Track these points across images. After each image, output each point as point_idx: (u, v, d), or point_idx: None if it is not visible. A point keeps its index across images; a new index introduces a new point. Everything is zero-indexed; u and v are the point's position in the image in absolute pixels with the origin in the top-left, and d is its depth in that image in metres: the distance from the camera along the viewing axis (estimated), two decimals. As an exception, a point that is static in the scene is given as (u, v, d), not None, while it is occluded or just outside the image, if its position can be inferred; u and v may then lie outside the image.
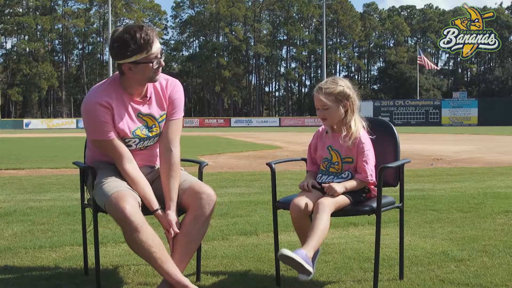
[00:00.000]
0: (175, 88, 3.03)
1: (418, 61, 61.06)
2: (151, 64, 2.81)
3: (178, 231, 2.88)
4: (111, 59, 53.59)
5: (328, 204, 2.89)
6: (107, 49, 73.81)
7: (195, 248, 2.97)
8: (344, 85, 3.07)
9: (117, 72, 2.93)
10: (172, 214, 2.90)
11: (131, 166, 2.92)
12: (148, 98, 2.96)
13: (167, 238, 2.93)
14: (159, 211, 2.88)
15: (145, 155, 3.08)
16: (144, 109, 2.96)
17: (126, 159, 2.91)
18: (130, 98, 2.92)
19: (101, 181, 2.88)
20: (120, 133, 2.91)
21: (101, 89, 2.90)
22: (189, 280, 2.82)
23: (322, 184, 3.03)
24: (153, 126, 2.99)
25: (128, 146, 2.97)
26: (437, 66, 69.98)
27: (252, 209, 5.65)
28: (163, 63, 2.87)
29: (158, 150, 3.10)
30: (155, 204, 2.88)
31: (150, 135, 3.00)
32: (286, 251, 2.63)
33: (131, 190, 2.84)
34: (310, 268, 2.65)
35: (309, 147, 3.30)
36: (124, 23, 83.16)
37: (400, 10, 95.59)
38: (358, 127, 3.10)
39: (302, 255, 2.65)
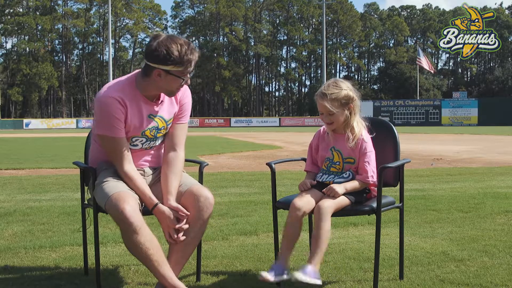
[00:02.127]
0: (185, 93, 3.08)
1: (417, 62, 61.00)
2: (180, 80, 2.85)
3: (188, 213, 2.86)
4: (111, 60, 53.63)
5: (328, 207, 2.88)
6: (107, 49, 74.06)
7: (191, 251, 2.96)
8: (347, 88, 3.05)
9: (134, 72, 2.96)
10: (174, 202, 2.88)
11: (131, 167, 2.91)
12: (160, 101, 2.99)
13: (168, 235, 2.86)
14: (159, 205, 2.84)
15: (150, 155, 3.09)
16: (155, 110, 2.98)
17: (127, 160, 2.90)
18: (144, 99, 2.93)
19: (102, 181, 2.88)
20: (130, 131, 2.92)
21: (117, 86, 2.91)
22: (185, 283, 2.81)
23: (323, 190, 3.00)
24: (162, 128, 3.02)
25: (135, 145, 2.99)
26: (435, 69, 69.77)
27: (252, 209, 5.64)
28: (188, 83, 2.93)
29: (162, 151, 3.10)
30: (155, 199, 2.86)
31: (158, 136, 3.03)
32: (300, 276, 2.68)
33: (131, 191, 2.84)
34: (319, 282, 2.74)
35: (309, 147, 3.28)
36: (124, 23, 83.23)
37: (400, 10, 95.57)
38: (360, 128, 3.09)
39: (312, 274, 2.73)
